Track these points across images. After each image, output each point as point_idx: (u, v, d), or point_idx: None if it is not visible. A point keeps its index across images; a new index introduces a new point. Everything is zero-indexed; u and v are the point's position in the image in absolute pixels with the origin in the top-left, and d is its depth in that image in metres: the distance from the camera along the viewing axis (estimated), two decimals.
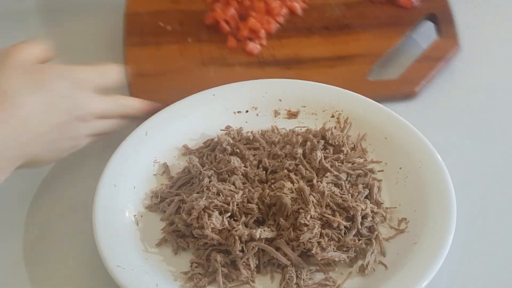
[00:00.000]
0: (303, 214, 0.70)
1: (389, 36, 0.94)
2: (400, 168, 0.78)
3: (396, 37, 0.94)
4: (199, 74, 0.90)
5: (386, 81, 0.90)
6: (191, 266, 0.71)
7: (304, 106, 0.86)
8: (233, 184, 0.76)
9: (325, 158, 0.78)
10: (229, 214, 0.72)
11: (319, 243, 0.70)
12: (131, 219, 0.75)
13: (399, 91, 0.88)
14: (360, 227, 0.72)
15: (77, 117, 0.73)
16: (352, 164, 0.79)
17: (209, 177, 0.76)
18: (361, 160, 0.80)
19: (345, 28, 0.96)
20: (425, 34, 0.96)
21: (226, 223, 0.71)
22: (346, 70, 0.90)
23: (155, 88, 0.87)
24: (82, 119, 0.73)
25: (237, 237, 0.69)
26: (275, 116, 0.86)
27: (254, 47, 0.92)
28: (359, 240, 0.72)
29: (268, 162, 0.78)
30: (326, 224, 0.71)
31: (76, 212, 0.77)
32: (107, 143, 0.81)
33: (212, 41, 0.94)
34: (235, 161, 0.78)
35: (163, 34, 0.95)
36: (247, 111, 0.86)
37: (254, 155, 0.80)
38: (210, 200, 0.72)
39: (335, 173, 0.76)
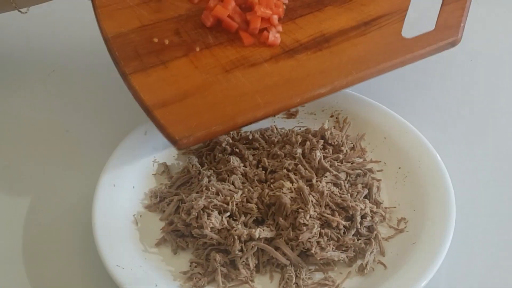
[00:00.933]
0: (302, 213, 0.70)
1: None
2: (400, 168, 0.78)
3: None
4: (228, 85, 0.77)
5: (425, 34, 0.81)
6: (190, 265, 0.71)
7: (303, 106, 0.86)
8: (233, 183, 0.76)
9: (325, 158, 0.78)
10: (228, 213, 0.72)
11: (318, 242, 0.70)
12: (130, 219, 0.75)
13: (443, 42, 0.80)
14: (359, 226, 0.72)
15: None
16: (352, 163, 0.79)
17: (208, 177, 0.76)
18: (360, 160, 0.80)
19: None
20: None
21: (225, 222, 0.71)
22: (379, 34, 0.82)
23: (188, 114, 0.74)
24: None
25: (236, 237, 0.70)
26: (274, 115, 0.86)
27: (274, 36, 0.81)
28: (358, 239, 0.72)
29: (268, 162, 0.78)
30: (325, 223, 0.71)
31: (75, 212, 0.77)
32: (106, 142, 0.81)
33: (222, 43, 0.82)
34: (235, 161, 0.78)
35: (163, 50, 0.80)
36: None
37: (253, 155, 0.80)
38: (209, 200, 0.72)
39: (335, 172, 0.76)
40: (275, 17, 0.83)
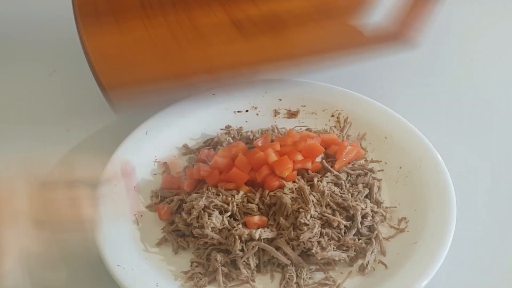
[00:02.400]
0: (303, 213, 0.70)
1: None
2: (400, 168, 0.78)
3: None
4: (174, 51, 0.78)
5: (384, 32, 0.80)
6: (191, 265, 0.71)
7: (304, 106, 0.86)
8: None
9: None
10: (229, 213, 0.72)
11: (319, 242, 0.70)
12: (131, 219, 0.75)
13: (400, 40, 0.79)
14: (360, 226, 0.72)
15: None
16: (352, 164, 0.79)
17: None
18: (362, 161, 0.80)
19: None
20: None
21: (226, 222, 0.71)
22: (334, 24, 0.81)
23: (126, 73, 0.75)
24: None
25: (237, 237, 0.70)
26: (275, 115, 0.86)
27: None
28: (359, 239, 0.72)
29: None
30: (326, 223, 0.71)
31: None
32: (107, 142, 0.81)
33: (178, 11, 0.81)
34: None
35: (121, 11, 0.81)
36: (247, 111, 0.86)
37: None
38: (210, 200, 0.72)
39: (335, 172, 0.76)
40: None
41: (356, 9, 0.81)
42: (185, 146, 0.82)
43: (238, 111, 0.85)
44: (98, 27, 0.77)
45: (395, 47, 0.80)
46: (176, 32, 0.78)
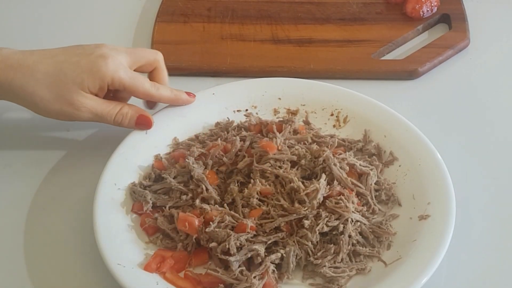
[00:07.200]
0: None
1: (400, 29, 0.99)
2: (400, 166, 0.78)
3: (407, 29, 0.99)
4: (216, 45, 0.97)
5: (391, 60, 0.95)
6: None
7: (304, 105, 0.86)
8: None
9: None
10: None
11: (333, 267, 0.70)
12: (131, 218, 0.75)
13: (403, 69, 0.93)
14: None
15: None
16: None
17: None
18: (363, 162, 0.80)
19: (359, 20, 1.01)
20: (438, 32, 1.00)
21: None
22: (353, 50, 0.96)
23: (173, 53, 0.92)
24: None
25: (233, 243, 0.69)
26: (275, 114, 0.86)
27: None
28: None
29: None
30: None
31: (76, 211, 0.77)
32: (107, 141, 0.81)
33: (234, 23, 1.01)
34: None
35: (191, 15, 1.03)
36: (246, 110, 0.86)
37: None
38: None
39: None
40: None
41: (379, 43, 0.96)
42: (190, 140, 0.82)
43: (237, 110, 0.85)
44: (169, 21, 1.01)
45: (397, 75, 0.93)
46: (225, 34, 0.99)
